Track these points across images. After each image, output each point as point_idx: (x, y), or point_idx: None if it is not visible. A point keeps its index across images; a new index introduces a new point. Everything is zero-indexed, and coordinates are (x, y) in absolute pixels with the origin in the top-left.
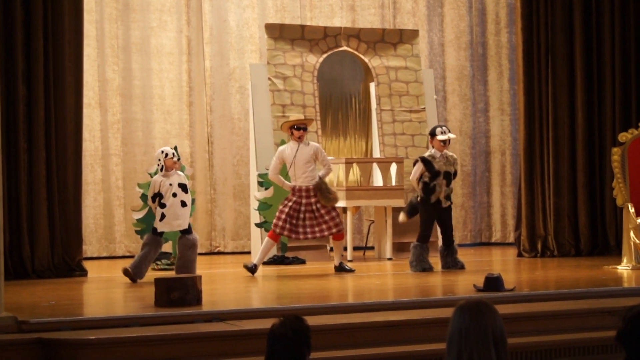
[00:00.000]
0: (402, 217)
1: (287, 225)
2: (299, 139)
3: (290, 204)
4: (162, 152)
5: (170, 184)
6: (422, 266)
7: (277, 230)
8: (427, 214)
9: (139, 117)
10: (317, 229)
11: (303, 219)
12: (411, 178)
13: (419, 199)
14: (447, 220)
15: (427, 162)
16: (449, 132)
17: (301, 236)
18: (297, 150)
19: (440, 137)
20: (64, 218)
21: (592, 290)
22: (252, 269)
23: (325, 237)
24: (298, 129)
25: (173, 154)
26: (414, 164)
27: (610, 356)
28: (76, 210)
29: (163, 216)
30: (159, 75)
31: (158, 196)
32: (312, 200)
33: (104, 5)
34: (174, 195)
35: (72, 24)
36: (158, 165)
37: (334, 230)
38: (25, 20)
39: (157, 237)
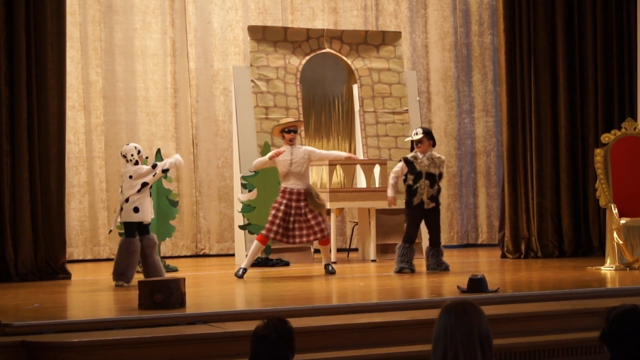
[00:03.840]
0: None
1: (280, 230)
2: (290, 142)
3: (282, 207)
4: (135, 147)
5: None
6: (400, 267)
7: (271, 235)
8: (411, 215)
9: (122, 119)
10: (304, 232)
11: (293, 222)
12: (391, 173)
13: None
14: (433, 222)
15: (408, 162)
16: (421, 133)
17: (290, 240)
18: (291, 154)
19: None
20: (47, 221)
21: (575, 291)
22: (242, 275)
23: (311, 242)
24: (289, 132)
25: (139, 151)
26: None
27: (594, 357)
28: (59, 213)
29: (137, 209)
30: (143, 77)
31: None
32: (302, 204)
33: (87, 8)
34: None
35: (54, 27)
36: (131, 160)
37: (319, 235)
38: (8, 22)
39: (133, 239)
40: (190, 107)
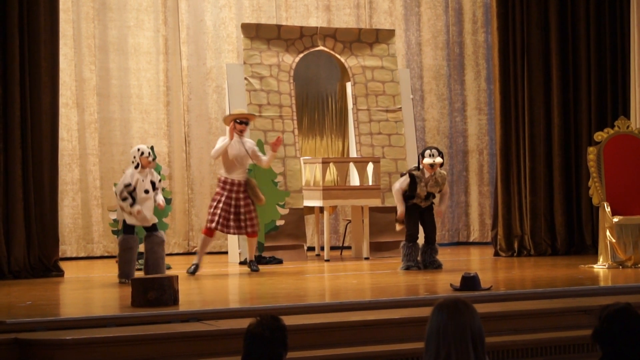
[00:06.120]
0: (397, 227)
1: (221, 220)
2: (241, 133)
3: (223, 198)
4: (138, 149)
5: (143, 180)
6: (407, 265)
7: (213, 225)
8: (409, 213)
9: (116, 117)
10: (241, 224)
11: (234, 213)
12: (395, 187)
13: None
14: (429, 219)
15: (413, 181)
16: (438, 155)
17: (231, 231)
18: (243, 145)
19: (425, 160)
20: (40, 218)
21: (568, 289)
22: (194, 271)
23: (242, 234)
24: (241, 123)
25: (149, 153)
26: (401, 176)
27: (586, 355)
28: (52, 210)
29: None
30: (136, 75)
31: (127, 186)
32: (242, 195)
33: (81, 5)
34: (146, 192)
35: (47, 24)
36: (133, 162)
37: (249, 230)
38: (1, 19)
39: (132, 235)
40: (183, 105)
